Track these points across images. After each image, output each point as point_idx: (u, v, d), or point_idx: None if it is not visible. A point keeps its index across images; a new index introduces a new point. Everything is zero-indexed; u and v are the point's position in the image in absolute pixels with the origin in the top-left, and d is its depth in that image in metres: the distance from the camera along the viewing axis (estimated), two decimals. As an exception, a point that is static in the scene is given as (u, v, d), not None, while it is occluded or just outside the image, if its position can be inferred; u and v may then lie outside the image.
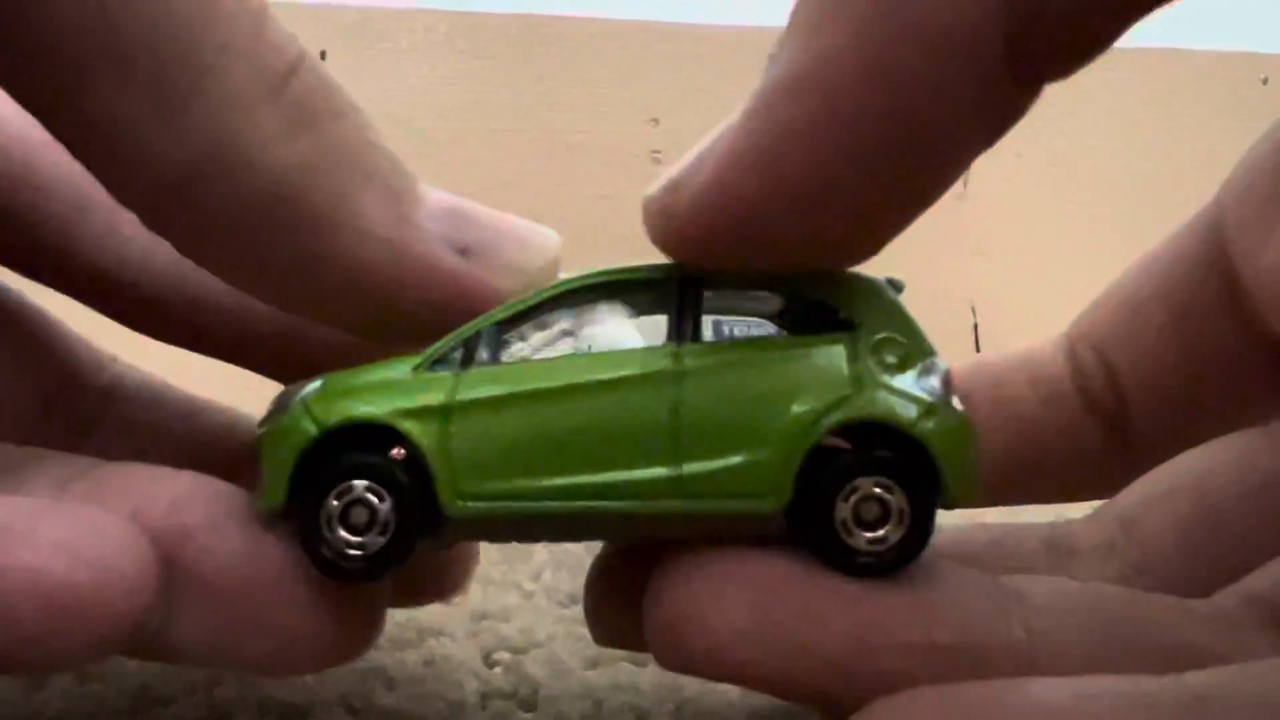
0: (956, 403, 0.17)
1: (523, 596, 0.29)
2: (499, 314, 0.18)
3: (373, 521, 0.17)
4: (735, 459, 0.17)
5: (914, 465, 0.17)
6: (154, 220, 0.18)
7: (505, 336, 0.18)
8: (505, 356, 0.18)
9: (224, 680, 0.23)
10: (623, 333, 0.18)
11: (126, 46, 0.16)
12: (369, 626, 0.18)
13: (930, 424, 0.17)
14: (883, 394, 0.17)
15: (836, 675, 0.16)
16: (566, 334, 0.18)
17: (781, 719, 0.21)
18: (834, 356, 0.17)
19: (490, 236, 0.19)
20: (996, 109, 0.16)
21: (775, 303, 0.19)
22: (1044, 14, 0.15)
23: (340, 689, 0.22)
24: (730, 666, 0.16)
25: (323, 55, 0.55)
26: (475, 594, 0.29)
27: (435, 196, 0.19)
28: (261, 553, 0.17)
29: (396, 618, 0.27)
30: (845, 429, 0.17)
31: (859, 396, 0.17)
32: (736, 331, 0.19)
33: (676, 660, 0.17)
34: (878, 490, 0.17)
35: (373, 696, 0.22)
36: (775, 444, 0.17)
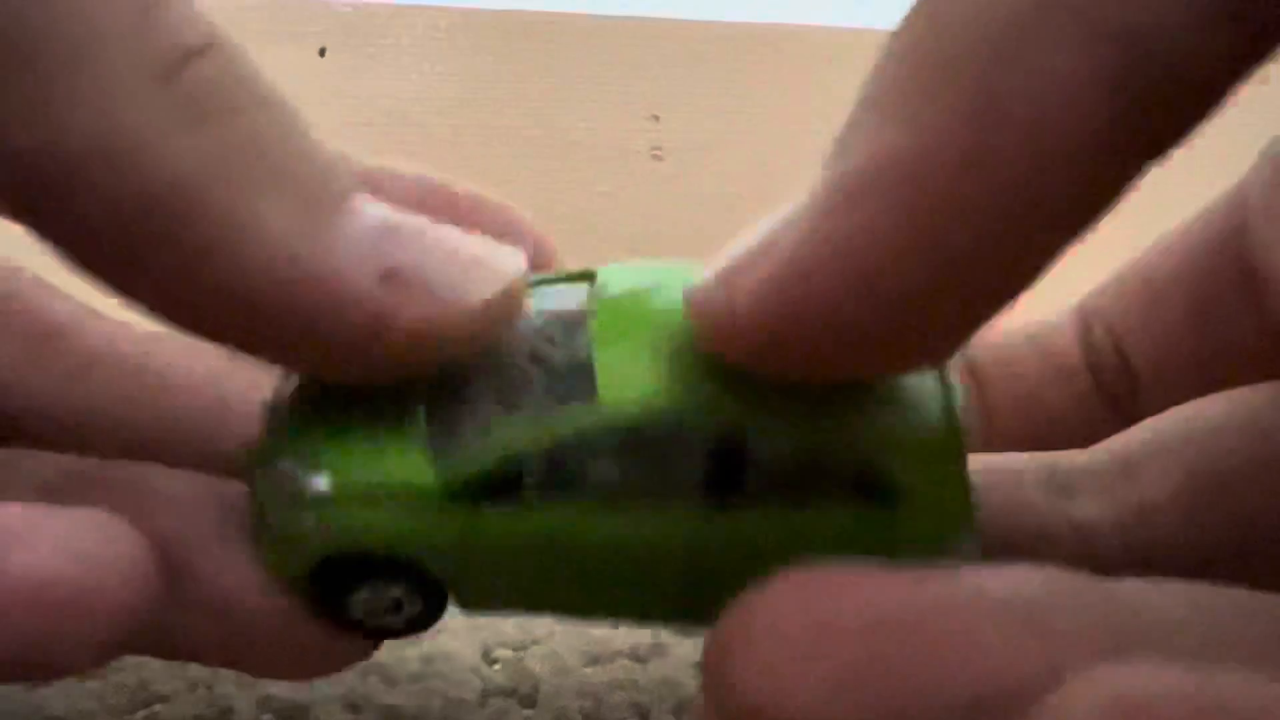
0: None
1: (523, 594, 0.29)
2: (520, 447, 0.17)
3: (398, 608, 0.18)
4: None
5: None
6: (29, 220, 0.16)
7: (525, 468, 0.17)
8: (528, 494, 0.17)
9: (224, 677, 0.23)
10: None
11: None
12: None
13: None
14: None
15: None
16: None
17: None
18: (870, 535, 0.17)
19: (428, 260, 0.16)
20: (1098, 202, 0.15)
21: (818, 465, 0.17)
22: (1161, 101, 0.14)
23: (340, 686, 0.22)
24: None
25: (322, 52, 0.55)
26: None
27: (370, 210, 0.16)
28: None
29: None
30: None
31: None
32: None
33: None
34: None
35: (373, 694, 0.22)
36: None
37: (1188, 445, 0.21)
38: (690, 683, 0.22)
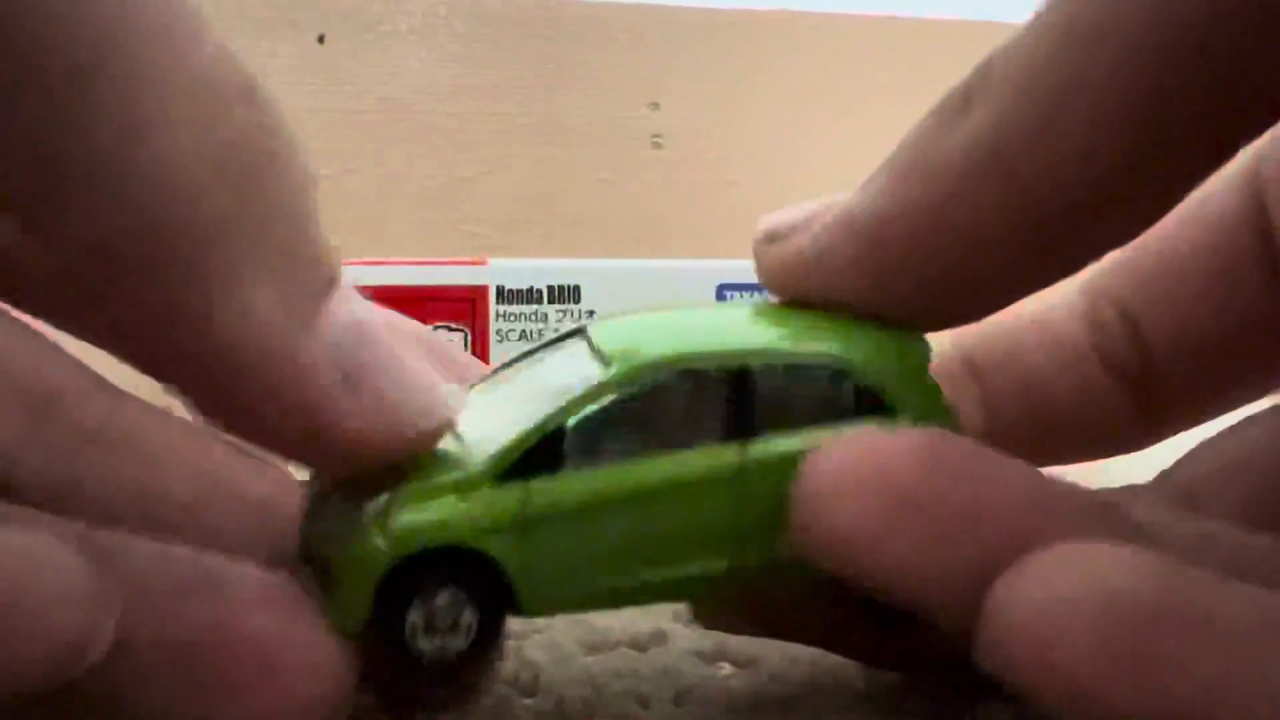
0: None
1: (523, 582, 0.29)
2: (557, 416, 0.18)
3: (456, 626, 0.18)
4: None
5: None
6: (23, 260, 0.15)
7: (564, 436, 0.18)
8: (567, 462, 0.18)
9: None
10: None
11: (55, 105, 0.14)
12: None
13: None
14: None
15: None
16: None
17: (782, 703, 0.21)
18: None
19: (389, 369, 0.17)
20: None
21: (822, 387, 0.19)
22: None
23: (340, 675, 0.22)
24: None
25: (321, 39, 0.55)
26: (475, 579, 0.29)
27: (347, 306, 0.16)
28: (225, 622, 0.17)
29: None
30: None
31: None
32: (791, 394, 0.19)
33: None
34: None
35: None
36: None
37: (1247, 471, 0.21)
38: (690, 671, 0.22)
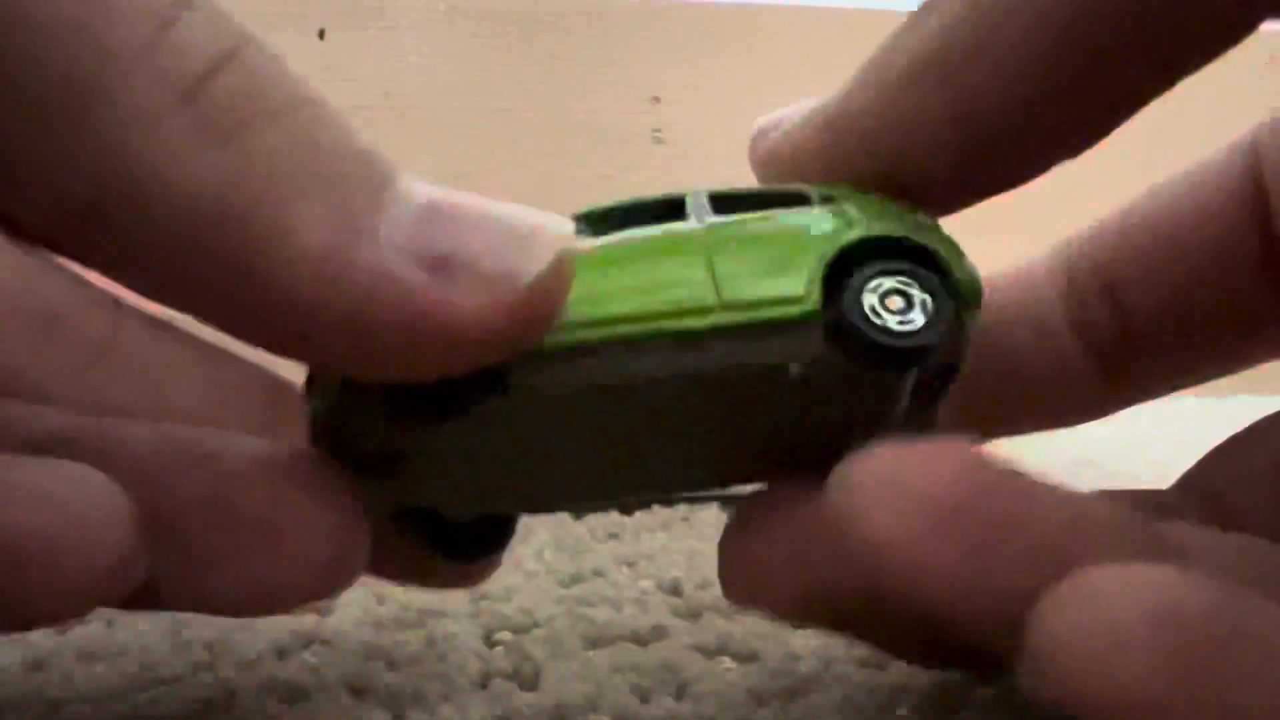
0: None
1: (524, 576, 0.29)
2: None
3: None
4: (768, 281, 0.18)
5: (925, 260, 0.19)
6: (68, 249, 0.16)
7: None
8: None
9: (227, 660, 0.23)
10: None
11: (4, 68, 0.14)
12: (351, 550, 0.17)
13: (922, 236, 0.19)
14: (884, 223, 0.19)
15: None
16: None
17: (782, 698, 0.21)
18: (838, 214, 0.19)
19: (476, 241, 0.16)
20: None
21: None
22: None
23: (342, 669, 0.22)
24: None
25: (321, 34, 0.55)
26: (476, 574, 0.29)
27: (410, 198, 0.16)
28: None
29: (398, 599, 0.27)
30: (857, 248, 0.19)
31: (857, 224, 0.19)
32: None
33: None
34: (898, 283, 0.18)
35: (374, 677, 0.22)
36: (801, 264, 0.18)
37: (1277, 476, 0.21)
38: (691, 666, 0.23)
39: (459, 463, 0.19)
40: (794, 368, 0.18)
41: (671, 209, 0.20)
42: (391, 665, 0.23)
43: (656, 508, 0.36)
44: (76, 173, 0.14)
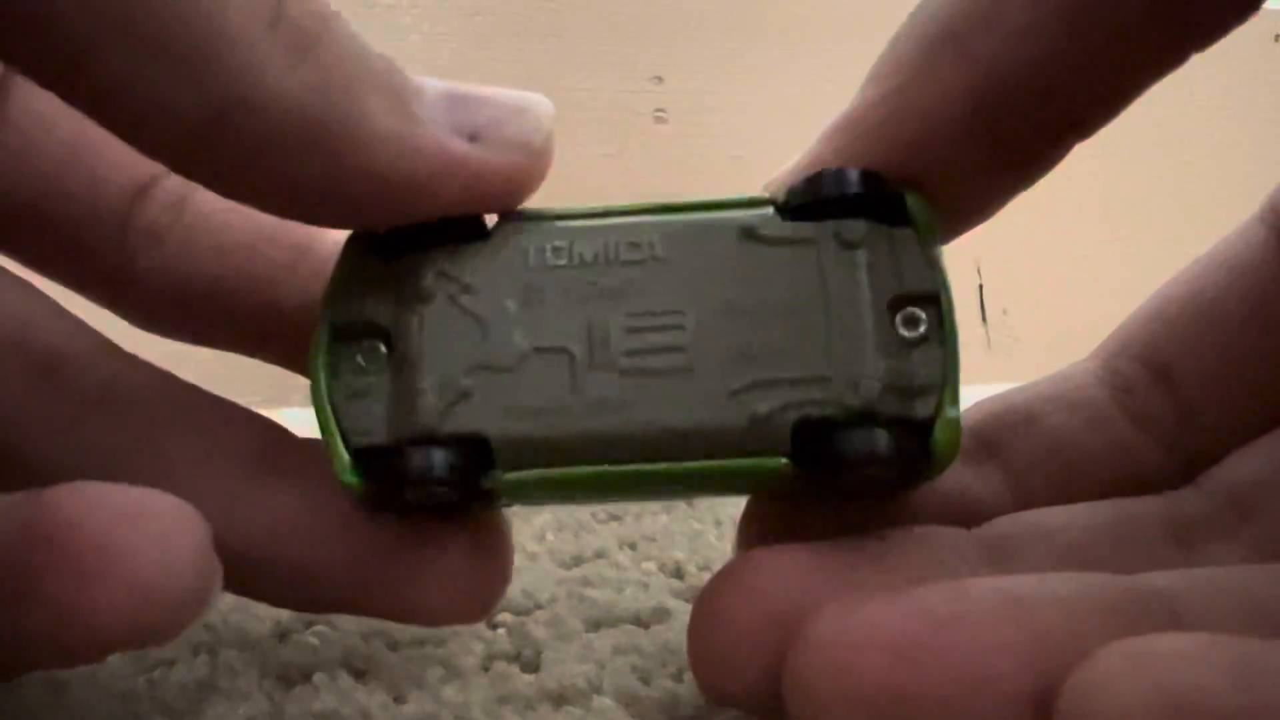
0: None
1: (526, 558, 0.29)
2: None
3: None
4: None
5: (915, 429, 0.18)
6: (181, 167, 0.18)
7: None
8: None
9: (228, 642, 0.23)
10: None
11: (126, 8, 0.16)
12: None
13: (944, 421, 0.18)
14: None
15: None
16: None
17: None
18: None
19: (493, 114, 0.19)
20: None
21: None
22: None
23: (343, 650, 0.22)
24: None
25: (322, 13, 0.54)
26: (478, 556, 0.29)
27: (431, 86, 0.19)
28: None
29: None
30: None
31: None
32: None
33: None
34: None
35: (375, 658, 0.22)
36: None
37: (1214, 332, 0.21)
38: (693, 647, 0.23)
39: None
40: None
41: None
42: (393, 647, 0.23)
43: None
44: (198, 97, 0.17)
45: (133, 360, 0.21)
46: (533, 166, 0.19)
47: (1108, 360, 0.23)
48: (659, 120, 0.57)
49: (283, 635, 0.23)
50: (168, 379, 0.21)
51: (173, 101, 0.17)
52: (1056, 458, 0.22)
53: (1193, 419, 0.22)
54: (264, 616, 0.24)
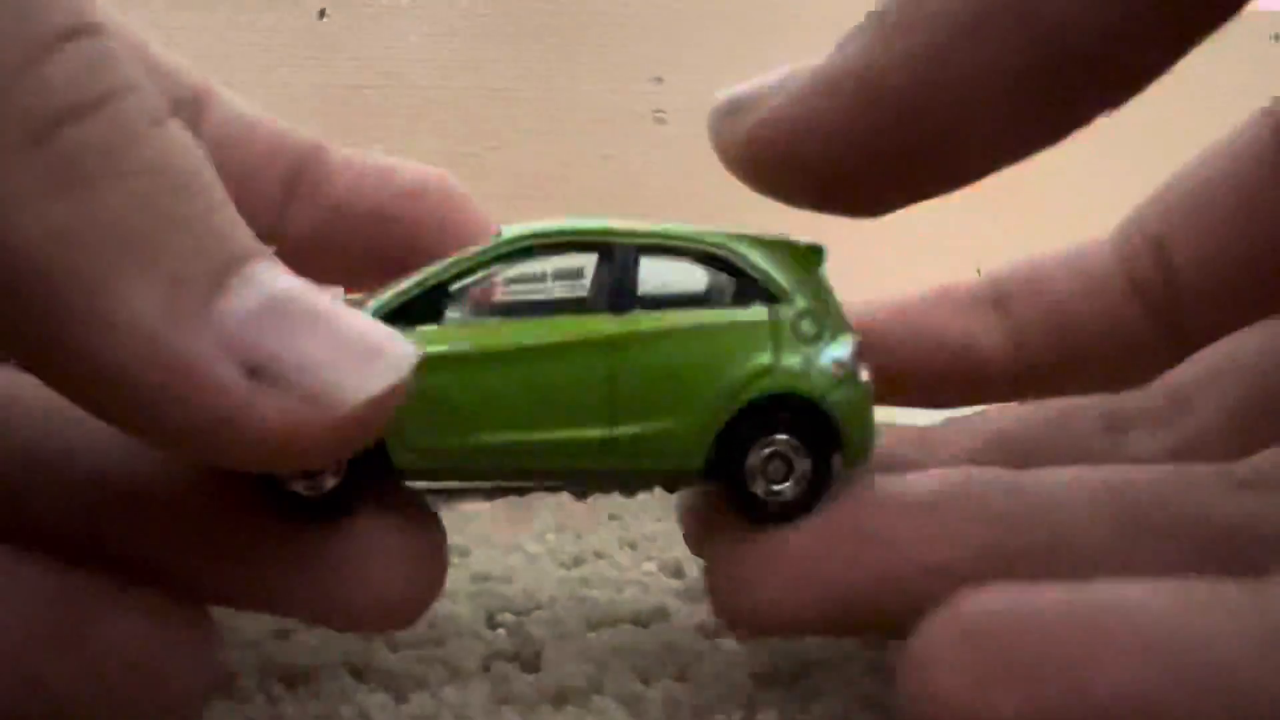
0: (863, 374, 0.20)
1: (526, 558, 0.29)
2: (441, 272, 0.19)
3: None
4: (666, 423, 0.19)
5: (819, 431, 0.19)
6: None
7: (450, 293, 0.19)
8: (450, 315, 0.19)
9: (228, 643, 0.23)
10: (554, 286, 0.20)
11: None
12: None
13: (837, 396, 0.19)
14: (797, 368, 0.19)
15: (873, 611, 0.18)
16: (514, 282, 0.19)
17: (785, 679, 0.21)
18: (757, 330, 0.19)
19: (312, 349, 0.15)
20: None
21: (703, 275, 0.20)
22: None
23: (343, 651, 0.22)
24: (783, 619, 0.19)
25: (322, 14, 0.54)
26: (478, 556, 0.29)
27: (256, 287, 0.15)
28: None
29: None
30: (763, 398, 0.19)
31: (776, 370, 0.19)
32: (668, 281, 0.20)
33: (740, 618, 0.19)
34: (785, 449, 0.19)
35: (375, 658, 0.22)
36: (702, 412, 0.19)
37: (1238, 373, 0.21)
38: (691, 648, 0.22)
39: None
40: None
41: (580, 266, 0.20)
42: (393, 647, 0.23)
43: (659, 490, 0.36)
44: None
45: (112, 451, 0.19)
46: (338, 429, 0.15)
47: (1123, 228, 0.24)
48: (658, 121, 0.57)
49: (283, 636, 0.23)
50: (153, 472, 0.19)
51: None
52: (1055, 317, 0.24)
53: (1178, 289, 0.23)
54: (264, 616, 0.24)
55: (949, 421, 0.23)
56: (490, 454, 0.19)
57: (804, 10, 0.58)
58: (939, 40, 0.17)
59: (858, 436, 0.20)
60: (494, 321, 0.19)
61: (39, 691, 0.16)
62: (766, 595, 0.19)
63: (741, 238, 0.20)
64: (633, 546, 0.30)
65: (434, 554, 0.20)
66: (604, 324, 0.19)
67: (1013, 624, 0.15)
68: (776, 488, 0.19)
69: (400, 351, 0.16)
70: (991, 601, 0.15)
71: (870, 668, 0.22)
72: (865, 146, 0.18)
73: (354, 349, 0.15)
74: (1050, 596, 0.15)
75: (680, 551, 0.29)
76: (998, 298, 0.24)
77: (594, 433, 0.19)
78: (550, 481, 0.21)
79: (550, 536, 0.31)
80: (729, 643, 0.23)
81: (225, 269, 0.15)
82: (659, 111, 0.57)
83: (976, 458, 0.21)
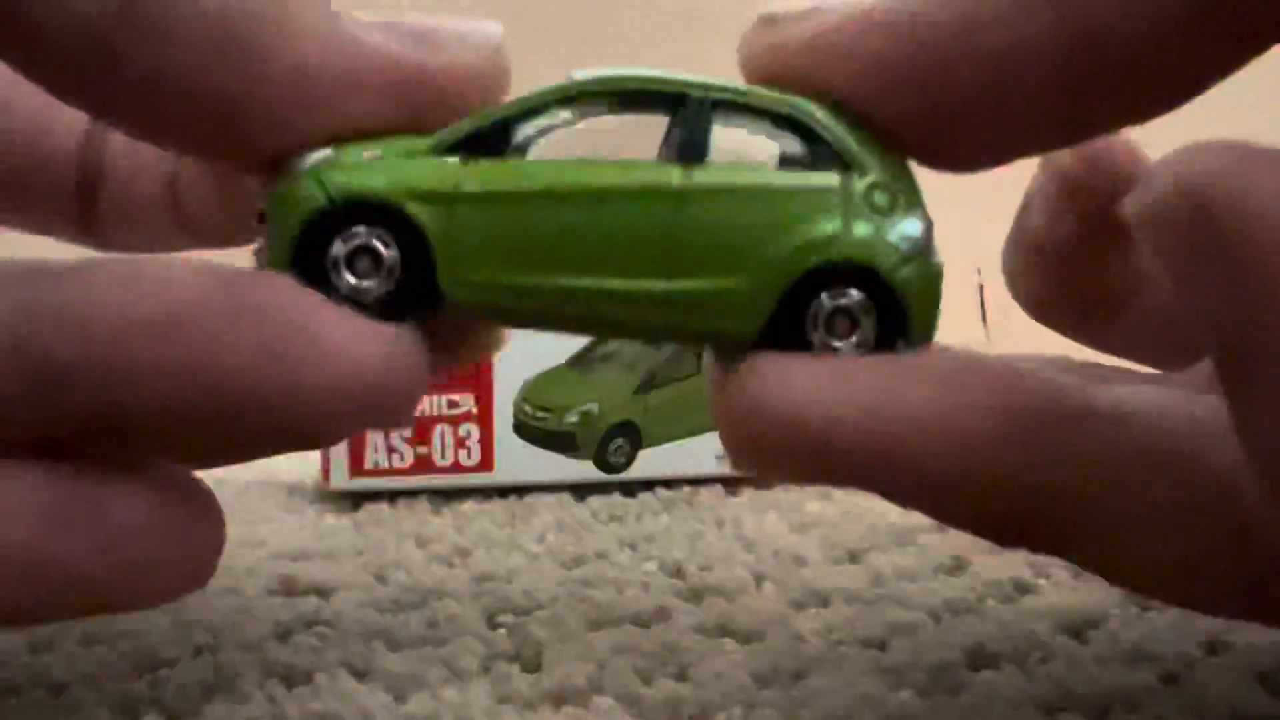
0: (937, 255, 0.19)
1: (526, 558, 0.29)
2: (507, 110, 0.18)
3: (378, 267, 0.18)
4: (725, 282, 0.18)
5: (885, 308, 0.18)
6: (69, 89, 0.17)
7: (514, 131, 0.18)
8: (512, 152, 0.18)
9: (229, 643, 0.23)
10: (629, 142, 0.19)
11: None
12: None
13: (906, 272, 0.18)
14: (865, 238, 0.18)
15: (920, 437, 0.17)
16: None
17: (786, 679, 0.21)
18: (827, 197, 0.18)
19: (431, 23, 0.18)
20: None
21: (782, 137, 0.19)
22: None
23: (344, 651, 0.22)
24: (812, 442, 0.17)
25: (323, 13, 0.55)
26: (479, 556, 0.29)
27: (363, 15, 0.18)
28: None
29: (400, 580, 0.27)
30: (828, 266, 0.18)
31: (844, 238, 0.18)
32: (736, 145, 0.19)
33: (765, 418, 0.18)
34: (855, 307, 0.18)
35: (376, 658, 0.22)
36: (763, 274, 0.18)
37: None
38: (693, 647, 0.23)
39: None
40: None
41: (666, 103, 0.19)
42: (393, 647, 0.23)
43: (659, 490, 0.36)
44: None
45: None
46: (480, 67, 0.18)
47: None
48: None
49: (283, 636, 0.23)
50: None
51: (72, 6, 0.16)
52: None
53: None
54: (264, 617, 0.24)
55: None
56: (541, 295, 0.18)
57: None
58: (962, 12, 0.17)
59: (923, 318, 0.18)
60: (557, 161, 0.18)
61: (55, 576, 0.16)
62: (807, 392, 0.17)
63: (821, 105, 0.19)
64: (633, 546, 0.30)
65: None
66: (670, 174, 0.18)
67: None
68: (836, 344, 0.18)
69: (482, 31, 0.19)
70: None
71: (869, 668, 0.22)
72: (892, 85, 0.18)
73: (446, 30, 0.18)
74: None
75: (680, 551, 0.29)
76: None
77: (650, 285, 0.18)
78: (599, 332, 0.21)
79: (550, 536, 0.31)
80: (729, 643, 0.23)
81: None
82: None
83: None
